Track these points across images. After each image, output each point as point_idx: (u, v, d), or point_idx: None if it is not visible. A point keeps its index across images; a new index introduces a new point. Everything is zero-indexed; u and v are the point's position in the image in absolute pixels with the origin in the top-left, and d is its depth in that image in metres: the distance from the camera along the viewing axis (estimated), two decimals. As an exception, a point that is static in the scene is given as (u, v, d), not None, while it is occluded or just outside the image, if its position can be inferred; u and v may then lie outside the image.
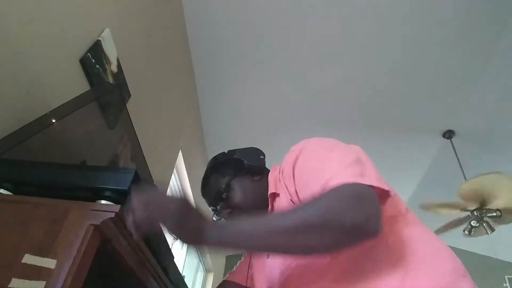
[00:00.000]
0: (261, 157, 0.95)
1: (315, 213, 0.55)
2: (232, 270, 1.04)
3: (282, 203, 0.78)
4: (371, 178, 0.60)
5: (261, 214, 0.64)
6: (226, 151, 0.98)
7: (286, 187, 0.75)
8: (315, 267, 0.66)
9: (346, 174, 0.61)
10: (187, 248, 0.56)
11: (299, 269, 0.69)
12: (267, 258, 0.82)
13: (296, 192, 0.71)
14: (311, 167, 0.70)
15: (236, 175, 0.91)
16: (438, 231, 3.01)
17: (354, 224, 0.53)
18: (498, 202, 2.60)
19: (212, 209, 0.97)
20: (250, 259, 0.99)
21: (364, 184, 0.58)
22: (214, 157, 0.98)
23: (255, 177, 0.91)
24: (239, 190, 0.88)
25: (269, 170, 0.92)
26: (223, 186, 0.89)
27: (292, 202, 0.73)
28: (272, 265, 0.76)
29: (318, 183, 0.62)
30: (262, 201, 0.84)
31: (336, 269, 0.63)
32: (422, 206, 2.80)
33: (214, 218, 0.99)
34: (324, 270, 0.64)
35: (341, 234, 0.54)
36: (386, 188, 0.60)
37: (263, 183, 0.87)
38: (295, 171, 0.73)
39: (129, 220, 0.50)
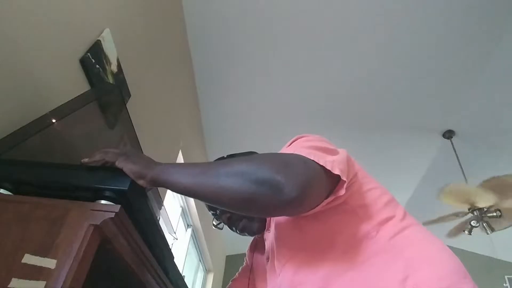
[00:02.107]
0: None
1: (243, 162, 0.57)
2: (234, 277, 1.04)
3: None
4: (323, 159, 0.59)
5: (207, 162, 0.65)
6: (225, 156, 0.97)
7: None
8: (310, 269, 0.65)
9: (300, 150, 0.61)
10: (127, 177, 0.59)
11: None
12: (267, 262, 0.82)
13: None
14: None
15: None
16: (426, 223, 3.00)
17: (267, 177, 0.52)
18: (484, 202, 2.61)
19: (212, 214, 0.97)
20: (252, 265, 0.99)
21: (304, 157, 0.58)
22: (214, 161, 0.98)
23: None
24: None
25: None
26: None
27: None
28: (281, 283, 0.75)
29: None
30: None
31: (334, 271, 0.62)
32: (442, 189, 2.73)
33: (214, 223, 0.99)
34: (320, 271, 0.64)
35: (254, 183, 0.53)
36: (336, 172, 0.58)
37: None
38: None
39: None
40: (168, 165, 0.62)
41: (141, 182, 0.59)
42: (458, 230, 3.05)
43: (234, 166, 0.57)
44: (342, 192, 0.61)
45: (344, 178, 0.60)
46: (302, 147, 0.65)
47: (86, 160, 0.62)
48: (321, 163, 0.58)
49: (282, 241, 0.73)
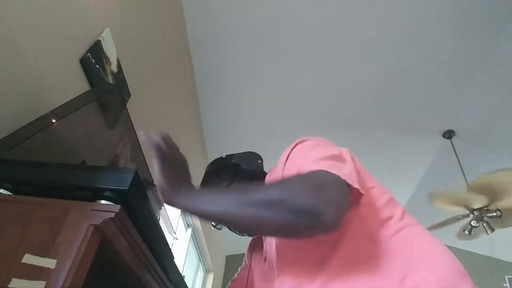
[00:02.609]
0: (259, 161, 0.95)
1: (276, 190, 0.56)
2: (233, 278, 1.04)
3: None
4: (343, 172, 0.60)
5: (233, 188, 0.65)
6: (223, 156, 0.98)
7: None
8: (311, 271, 0.65)
9: (318, 164, 0.61)
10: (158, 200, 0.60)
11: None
12: (265, 262, 0.82)
13: None
14: (293, 168, 0.71)
15: (234, 180, 0.91)
16: (431, 228, 3.00)
17: (306, 205, 0.52)
18: (508, 201, 2.59)
19: None
20: (250, 265, 0.99)
21: (331, 173, 0.58)
22: (212, 162, 0.98)
23: (253, 181, 0.91)
24: None
25: (267, 174, 0.92)
26: None
27: None
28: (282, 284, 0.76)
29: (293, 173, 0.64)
30: None
31: (335, 272, 0.62)
32: (431, 194, 2.76)
33: (213, 223, 0.99)
34: (322, 272, 0.64)
35: (292, 213, 0.52)
36: (355, 185, 0.59)
37: None
38: (284, 173, 0.73)
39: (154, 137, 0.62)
40: (196, 192, 0.62)
41: (161, 197, 0.61)
42: (442, 225, 3.06)
43: (268, 194, 0.55)
44: (360, 204, 0.63)
45: (362, 192, 0.61)
46: (317, 159, 0.64)
47: (143, 133, 0.64)
48: (343, 178, 0.59)
49: (282, 243, 0.73)
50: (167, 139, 0.65)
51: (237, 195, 0.59)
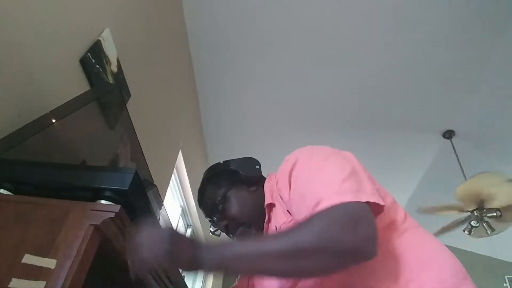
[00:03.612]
0: (257, 167, 0.93)
1: (309, 237, 0.53)
2: (234, 284, 1.03)
3: (278, 214, 0.77)
4: (367, 193, 0.59)
5: (256, 237, 0.63)
6: (221, 162, 0.96)
7: (281, 198, 0.74)
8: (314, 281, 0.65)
9: (341, 190, 0.59)
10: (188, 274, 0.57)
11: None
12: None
13: (291, 203, 0.70)
14: (306, 179, 0.68)
15: (232, 186, 0.89)
16: (437, 233, 3.01)
17: (349, 248, 0.52)
18: (496, 202, 2.60)
19: (209, 220, 0.96)
20: None
21: (360, 202, 0.57)
22: (210, 167, 0.97)
23: (251, 187, 0.89)
24: (235, 202, 0.87)
25: (265, 179, 0.90)
26: (219, 198, 0.88)
27: (289, 213, 0.72)
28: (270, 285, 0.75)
29: (313, 199, 0.61)
30: (259, 212, 0.83)
31: (336, 279, 0.62)
32: (420, 209, 2.81)
33: (211, 229, 0.98)
34: (324, 281, 0.64)
35: (336, 257, 0.53)
36: (381, 203, 0.59)
37: (259, 194, 0.86)
38: (291, 182, 0.71)
39: (131, 265, 0.53)
40: (216, 250, 0.55)
41: (200, 271, 0.56)
42: (446, 230, 3.05)
43: (303, 242, 0.53)
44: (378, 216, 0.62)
45: (387, 206, 0.62)
46: (338, 184, 0.61)
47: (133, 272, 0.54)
48: (372, 201, 0.58)
49: None
50: (133, 250, 0.54)
51: (268, 246, 0.55)
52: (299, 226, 0.56)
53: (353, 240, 0.52)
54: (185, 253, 0.54)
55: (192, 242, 0.56)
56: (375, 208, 0.60)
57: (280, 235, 0.58)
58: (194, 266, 0.54)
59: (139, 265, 0.52)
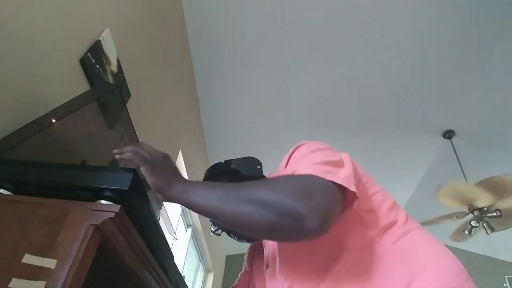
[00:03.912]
0: (258, 166, 0.93)
1: (264, 189, 0.56)
2: (234, 284, 1.03)
3: None
4: (340, 177, 0.59)
5: (226, 183, 0.65)
6: (222, 161, 0.96)
7: None
8: (315, 277, 0.65)
9: (316, 168, 0.61)
10: (151, 195, 0.61)
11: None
12: (266, 268, 0.81)
13: None
14: (293, 164, 0.71)
15: None
16: (425, 223, 3.00)
17: (292, 210, 0.51)
18: (482, 202, 2.61)
19: (210, 220, 0.96)
20: (251, 271, 0.98)
21: (323, 179, 0.58)
22: (210, 167, 0.97)
23: None
24: None
25: (266, 178, 0.91)
26: None
27: None
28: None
29: (290, 172, 0.64)
30: None
31: (341, 278, 0.62)
32: (438, 187, 2.76)
33: (212, 229, 0.99)
34: (328, 279, 0.64)
35: (277, 215, 0.52)
36: (352, 188, 0.58)
37: None
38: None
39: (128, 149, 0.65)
40: (189, 184, 0.62)
41: (159, 196, 0.61)
42: (460, 232, 3.05)
43: (255, 193, 0.56)
44: (352, 207, 0.61)
45: (358, 196, 0.60)
46: (315, 163, 0.64)
47: (116, 151, 0.65)
48: (339, 182, 0.58)
49: (286, 249, 0.73)
50: (141, 144, 0.67)
51: (226, 190, 0.59)
52: (263, 181, 0.59)
53: (299, 205, 0.51)
54: (166, 171, 0.62)
55: (177, 170, 0.65)
56: (349, 196, 0.60)
57: (245, 183, 0.61)
58: (165, 186, 0.61)
59: (131, 154, 0.64)
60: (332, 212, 0.55)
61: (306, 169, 0.61)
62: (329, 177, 0.58)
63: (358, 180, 0.69)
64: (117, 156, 0.66)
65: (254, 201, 0.54)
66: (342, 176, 0.60)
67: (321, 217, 0.52)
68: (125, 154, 0.65)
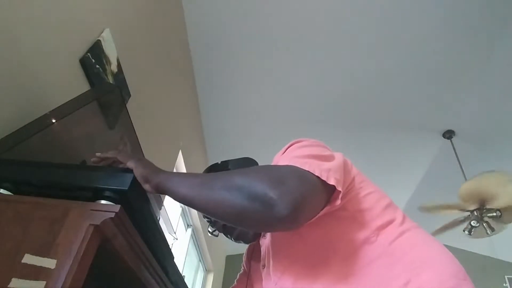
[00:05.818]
0: None
1: (237, 176, 0.57)
2: (233, 285, 1.03)
3: None
4: (320, 168, 0.59)
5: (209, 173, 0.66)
6: (219, 162, 0.97)
7: None
8: (308, 277, 0.65)
9: (292, 160, 0.61)
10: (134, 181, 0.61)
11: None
12: (263, 268, 0.81)
13: None
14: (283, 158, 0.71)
15: None
16: (436, 232, 3.01)
17: (261, 194, 0.51)
18: (498, 202, 2.59)
19: (207, 221, 0.96)
20: (249, 271, 0.98)
21: (300, 168, 0.57)
22: (207, 168, 0.97)
23: None
24: None
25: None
26: None
27: None
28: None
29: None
30: None
31: (335, 278, 0.62)
32: (421, 207, 2.80)
33: (209, 229, 0.99)
34: (321, 279, 0.63)
35: (247, 199, 0.52)
36: (331, 182, 0.58)
37: None
38: None
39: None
40: (172, 173, 0.65)
41: (146, 186, 0.61)
42: (445, 229, 3.05)
43: (230, 180, 0.57)
44: (338, 202, 0.60)
45: (339, 188, 0.59)
46: (297, 156, 0.64)
47: (99, 154, 0.66)
48: (317, 173, 0.57)
49: (279, 248, 0.72)
50: (120, 148, 0.71)
51: (206, 178, 0.60)
52: (242, 169, 0.62)
53: (270, 191, 0.51)
54: (149, 164, 0.65)
55: (157, 167, 0.66)
56: (334, 191, 0.60)
57: (223, 172, 0.63)
58: (152, 175, 0.62)
59: (117, 153, 0.67)
60: (305, 201, 0.54)
61: (288, 162, 0.61)
62: (306, 167, 0.58)
63: (351, 179, 0.68)
64: (98, 154, 0.68)
65: (228, 186, 0.55)
66: (323, 168, 0.59)
67: (291, 203, 0.51)
68: (108, 153, 0.68)
